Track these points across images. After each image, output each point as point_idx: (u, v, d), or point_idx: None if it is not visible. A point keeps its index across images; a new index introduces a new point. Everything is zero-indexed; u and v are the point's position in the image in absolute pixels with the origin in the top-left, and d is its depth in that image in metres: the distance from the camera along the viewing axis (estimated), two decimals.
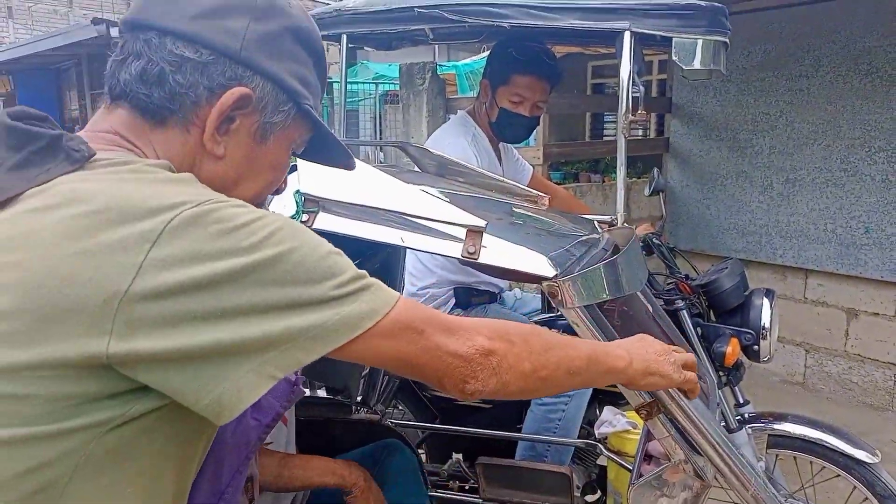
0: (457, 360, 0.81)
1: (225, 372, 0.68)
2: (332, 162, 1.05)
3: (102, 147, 0.80)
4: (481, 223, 1.14)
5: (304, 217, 1.21)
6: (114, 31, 9.83)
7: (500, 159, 2.42)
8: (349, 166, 1.06)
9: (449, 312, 2.20)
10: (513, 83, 2.22)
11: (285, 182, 0.99)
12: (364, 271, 0.79)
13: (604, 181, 5.26)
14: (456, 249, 1.15)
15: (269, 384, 0.70)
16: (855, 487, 2.03)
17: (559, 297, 1.13)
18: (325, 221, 1.21)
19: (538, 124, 2.41)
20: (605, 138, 6.24)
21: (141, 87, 0.81)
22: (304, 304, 0.71)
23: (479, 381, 0.83)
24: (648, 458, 1.32)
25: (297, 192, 1.22)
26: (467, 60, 8.31)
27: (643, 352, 1.08)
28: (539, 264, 1.14)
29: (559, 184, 4.62)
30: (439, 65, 5.75)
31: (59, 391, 0.66)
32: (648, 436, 1.31)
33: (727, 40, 1.89)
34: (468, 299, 2.22)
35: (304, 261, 0.73)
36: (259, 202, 0.91)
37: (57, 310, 0.65)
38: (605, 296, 1.16)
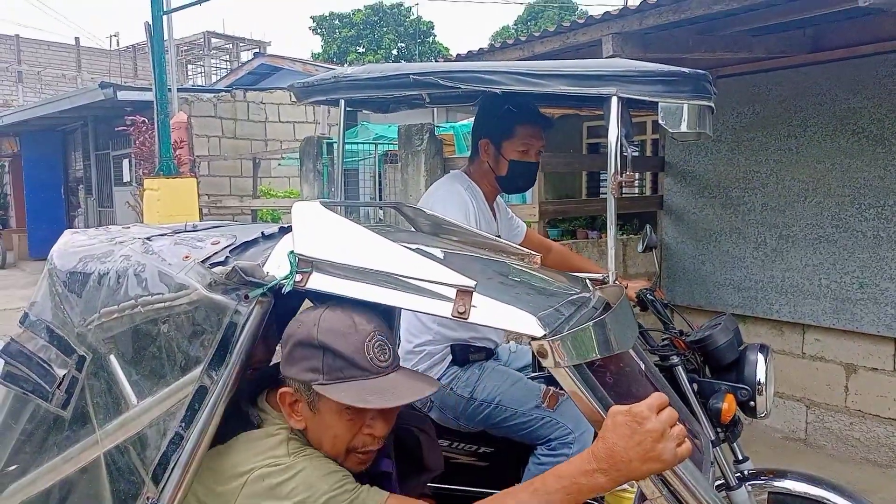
0: None
1: None
2: None
3: None
4: (471, 283, 1.17)
5: (298, 277, 1.23)
6: (121, 95, 10.06)
7: (495, 216, 2.46)
8: None
9: (446, 370, 2.21)
10: (518, 135, 2.32)
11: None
12: (356, 484, 1.25)
13: (601, 237, 5.32)
14: (447, 309, 1.17)
15: None
16: None
17: (548, 357, 1.14)
18: (318, 281, 1.23)
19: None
20: (600, 195, 6.33)
21: None
22: None
23: None
24: None
25: (291, 252, 1.25)
26: (465, 121, 8.50)
27: (622, 461, 1.05)
28: (528, 324, 1.16)
29: (556, 240, 4.68)
30: (437, 126, 5.88)
31: None
32: (642, 496, 1.30)
33: (712, 105, 1.95)
34: (465, 357, 2.23)
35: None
36: (348, 452, 1.32)
37: None
38: (594, 355, 1.18)
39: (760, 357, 1.99)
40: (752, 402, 1.96)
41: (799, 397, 4.35)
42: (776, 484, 2.03)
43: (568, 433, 2.06)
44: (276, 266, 1.26)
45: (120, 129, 9.33)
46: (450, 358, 2.22)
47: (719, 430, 1.95)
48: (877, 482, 3.75)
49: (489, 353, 2.30)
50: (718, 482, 1.94)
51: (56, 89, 17.74)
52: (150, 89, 7.65)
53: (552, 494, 1.09)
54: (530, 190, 4.71)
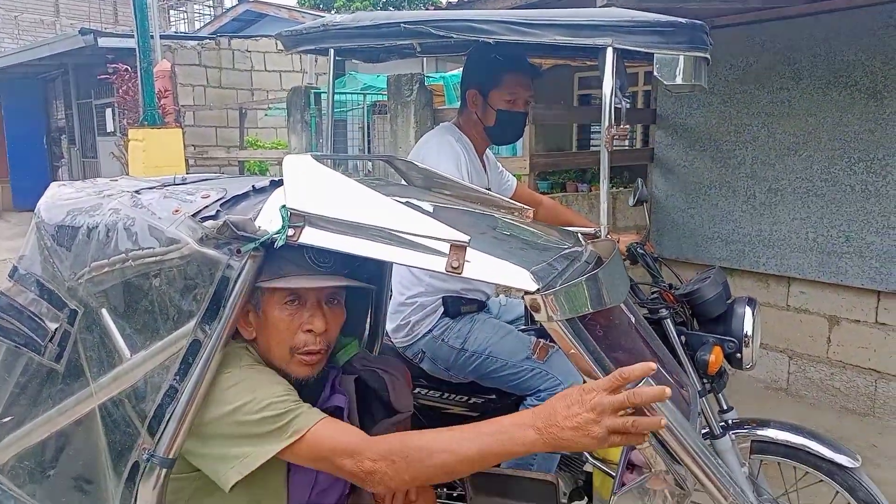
0: (352, 476, 1.21)
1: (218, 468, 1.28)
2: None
3: None
4: (465, 238, 1.17)
5: (291, 232, 1.22)
6: (102, 41, 9.80)
7: (485, 169, 2.45)
8: None
9: (437, 321, 2.23)
10: (505, 84, 2.29)
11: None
12: (298, 401, 1.29)
13: (590, 190, 5.31)
14: (440, 264, 1.17)
15: (238, 476, 1.24)
16: (837, 493, 2.07)
17: (541, 311, 1.15)
18: (310, 236, 1.22)
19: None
20: (591, 148, 6.30)
21: None
22: (254, 437, 1.25)
23: (373, 486, 1.21)
24: (631, 466, 1.34)
25: (283, 206, 1.24)
26: (455, 72, 8.36)
27: (556, 426, 1.07)
28: (521, 278, 1.17)
29: (546, 193, 4.66)
30: (427, 76, 5.79)
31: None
32: (631, 444, 1.33)
33: (708, 56, 1.92)
34: (457, 309, 2.24)
35: (252, 410, 1.25)
36: (293, 354, 1.38)
37: None
38: (586, 309, 1.19)
39: (748, 310, 2.01)
40: (738, 354, 1.99)
41: (782, 348, 4.44)
42: (759, 432, 2.08)
43: (557, 384, 2.10)
44: (268, 220, 1.25)
45: (102, 77, 9.12)
46: (441, 309, 2.24)
47: (705, 380, 1.99)
48: (855, 429, 3.86)
49: (481, 306, 2.31)
50: (704, 431, 1.99)
51: (35, 35, 17.23)
52: (132, 36, 7.45)
53: (484, 436, 1.13)
54: (520, 142, 4.69)
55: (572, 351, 1.18)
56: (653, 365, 1.06)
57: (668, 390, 1.03)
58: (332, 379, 1.48)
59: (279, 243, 1.22)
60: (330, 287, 1.39)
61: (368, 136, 7.98)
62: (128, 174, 7.21)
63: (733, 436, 2.03)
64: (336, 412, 1.42)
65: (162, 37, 9.63)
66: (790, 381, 4.44)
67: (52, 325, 1.40)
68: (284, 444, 1.23)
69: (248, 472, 1.24)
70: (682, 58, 1.84)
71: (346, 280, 1.39)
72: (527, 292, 1.16)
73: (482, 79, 2.32)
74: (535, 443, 1.09)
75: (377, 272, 1.79)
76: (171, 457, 1.27)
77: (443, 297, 2.23)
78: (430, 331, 2.22)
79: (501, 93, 2.29)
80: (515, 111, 2.32)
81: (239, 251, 1.24)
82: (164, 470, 1.27)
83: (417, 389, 2.26)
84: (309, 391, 1.43)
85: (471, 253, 1.17)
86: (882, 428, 3.92)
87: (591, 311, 1.20)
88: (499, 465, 2.13)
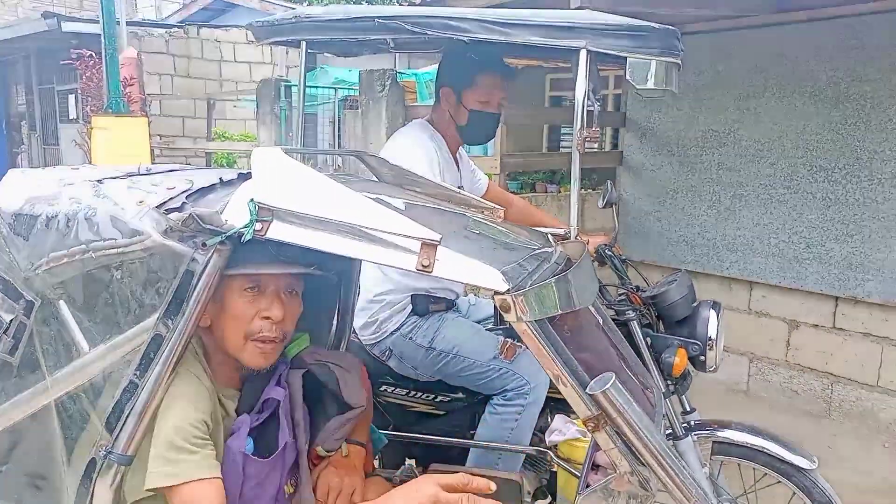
0: None
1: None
2: None
3: None
4: (436, 236, 1.16)
5: (258, 226, 1.20)
6: (65, 26, 9.55)
7: (458, 167, 2.45)
8: None
9: (405, 319, 2.22)
10: (478, 84, 2.29)
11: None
12: (206, 439, 1.27)
13: (560, 192, 5.34)
14: (411, 262, 1.16)
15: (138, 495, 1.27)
16: (794, 493, 2.11)
17: (511, 312, 1.15)
18: (279, 231, 1.20)
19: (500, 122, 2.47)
20: (561, 150, 6.34)
21: None
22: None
23: None
24: (596, 467, 1.35)
25: (252, 200, 1.21)
26: (427, 69, 8.34)
27: None
28: (492, 278, 1.16)
29: (516, 193, 4.68)
30: (399, 72, 5.76)
31: None
32: (596, 446, 1.34)
33: (679, 62, 1.94)
34: (426, 307, 2.23)
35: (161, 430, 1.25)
36: (247, 340, 1.38)
37: None
38: (556, 310, 1.19)
39: (713, 313, 2.05)
40: (702, 357, 2.02)
41: (743, 351, 4.52)
42: (720, 434, 2.12)
43: (524, 384, 2.10)
44: (235, 214, 1.23)
45: (65, 62, 8.89)
46: (410, 307, 2.22)
47: (669, 382, 2.02)
48: (812, 431, 3.95)
49: (449, 304, 2.31)
50: (667, 432, 2.01)
51: None
52: (97, 21, 7.27)
53: None
54: (492, 142, 4.69)
55: (541, 352, 1.18)
56: (493, 486, 1.17)
57: (492, 485, 1.16)
58: (279, 373, 1.47)
59: (246, 237, 1.20)
60: (289, 276, 1.38)
61: (339, 131, 7.91)
62: (90, 162, 7.04)
63: (695, 437, 2.06)
64: (271, 405, 1.41)
65: (128, 23, 9.41)
66: (750, 383, 4.53)
67: (7, 317, 1.36)
68: (161, 484, 1.22)
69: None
70: (654, 62, 1.85)
71: (307, 269, 1.39)
72: (497, 292, 1.16)
73: (456, 78, 2.31)
74: None
75: (344, 269, 1.78)
76: (129, 454, 1.24)
77: (411, 296, 2.22)
78: (399, 329, 2.21)
79: (475, 93, 2.29)
80: (488, 112, 2.32)
81: (204, 244, 1.21)
82: (122, 467, 1.24)
83: (384, 387, 2.25)
84: (255, 384, 1.42)
85: (441, 251, 1.16)
86: (837, 430, 4.02)
87: (560, 312, 1.20)
88: (463, 464, 2.14)
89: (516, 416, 2.10)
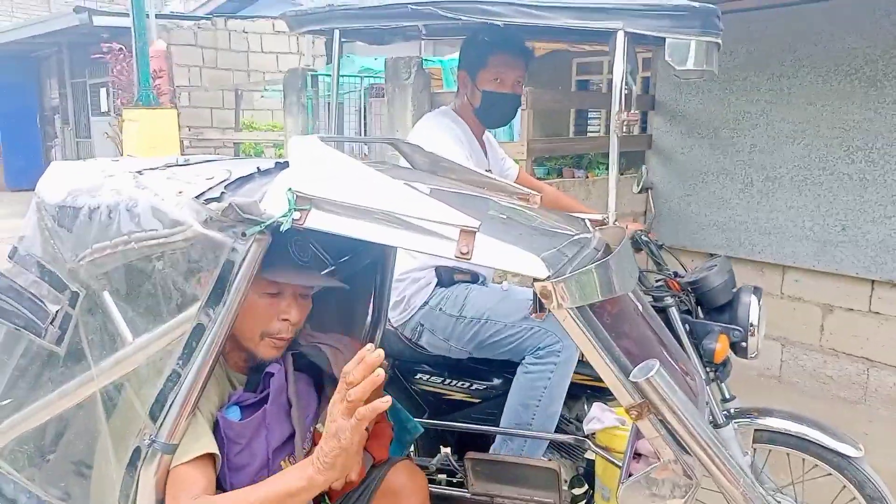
0: None
1: None
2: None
3: None
4: (475, 223, 1.15)
5: (297, 215, 1.20)
6: (97, 20, 9.66)
7: (485, 153, 2.43)
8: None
9: (432, 292, 2.21)
10: (491, 65, 2.27)
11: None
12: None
13: (587, 177, 5.28)
14: (449, 249, 1.15)
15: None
16: (844, 486, 2.05)
17: (551, 299, 1.13)
18: (316, 219, 1.20)
19: (521, 104, 2.44)
20: (588, 134, 6.27)
21: None
22: None
23: None
24: (638, 456, 1.34)
25: (290, 189, 1.21)
26: (453, 56, 8.29)
27: (320, 447, 1.20)
28: (532, 265, 1.15)
29: (543, 179, 4.64)
30: (425, 59, 5.73)
31: None
32: (637, 434, 1.33)
33: (720, 41, 1.89)
34: (451, 277, 2.22)
35: None
36: (263, 337, 1.43)
37: None
38: (597, 297, 1.17)
39: (754, 299, 2.01)
40: (744, 344, 1.99)
41: (775, 336, 4.45)
42: (760, 421, 2.08)
43: (556, 341, 2.06)
44: (274, 203, 1.23)
45: (96, 56, 8.99)
46: (435, 280, 2.22)
47: (709, 369, 1.99)
48: (847, 417, 3.89)
49: (474, 277, 2.29)
50: (707, 420, 1.99)
51: (28, 13, 16.99)
52: (128, 15, 7.34)
53: (268, 483, 1.26)
54: (518, 127, 4.66)
55: (582, 339, 1.17)
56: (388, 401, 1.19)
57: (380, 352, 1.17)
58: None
59: (285, 227, 1.20)
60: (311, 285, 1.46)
61: (365, 119, 7.92)
62: (122, 154, 7.14)
63: (736, 425, 2.03)
64: (267, 376, 1.45)
65: (157, 16, 9.49)
66: (783, 368, 4.46)
67: (53, 308, 1.38)
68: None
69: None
70: (693, 42, 1.81)
71: (333, 281, 1.49)
72: (536, 279, 1.14)
73: (470, 61, 2.32)
74: (312, 474, 1.20)
75: (382, 256, 1.78)
76: (172, 442, 1.26)
77: (436, 268, 2.21)
78: (427, 302, 2.20)
79: (487, 73, 2.28)
80: (501, 92, 2.29)
81: (244, 234, 1.22)
82: (166, 455, 1.26)
83: (419, 375, 2.25)
84: (262, 366, 1.46)
85: (480, 238, 1.15)
86: (873, 416, 3.95)
87: (601, 299, 1.19)
88: (498, 453, 2.13)
89: (549, 374, 2.06)
